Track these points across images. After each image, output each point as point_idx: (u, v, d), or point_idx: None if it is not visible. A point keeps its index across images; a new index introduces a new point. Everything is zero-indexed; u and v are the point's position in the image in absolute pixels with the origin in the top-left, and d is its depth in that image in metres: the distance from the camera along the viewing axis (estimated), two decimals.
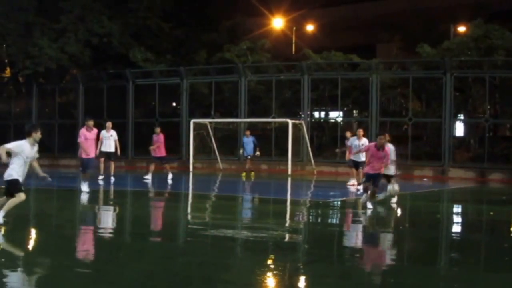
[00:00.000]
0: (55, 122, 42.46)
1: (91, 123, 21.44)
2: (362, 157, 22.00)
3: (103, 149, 26.63)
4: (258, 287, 9.41)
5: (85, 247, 13.14)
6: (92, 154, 21.59)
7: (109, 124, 27.58)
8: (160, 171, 28.34)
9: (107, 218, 17.81)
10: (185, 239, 14.22)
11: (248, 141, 32.38)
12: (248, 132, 33.33)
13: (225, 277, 9.85)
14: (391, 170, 20.89)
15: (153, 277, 9.76)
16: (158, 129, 21.18)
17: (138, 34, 43.10)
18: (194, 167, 36.13)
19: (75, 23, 41.57)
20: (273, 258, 11.20)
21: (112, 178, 26.46)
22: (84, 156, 21.20)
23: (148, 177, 27.72)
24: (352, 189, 24.25)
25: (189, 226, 15.57)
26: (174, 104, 42.94)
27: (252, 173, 31.96)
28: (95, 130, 21.85)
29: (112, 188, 25.14)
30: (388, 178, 21.57)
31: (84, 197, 20.58)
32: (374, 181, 17.88)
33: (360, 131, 23.30)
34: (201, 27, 45.86)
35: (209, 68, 41.59)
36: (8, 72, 46.19)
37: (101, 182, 25.82)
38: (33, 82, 43.91)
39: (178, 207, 21.48)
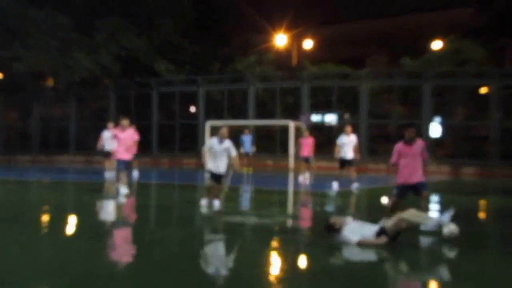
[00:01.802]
0: (90, 125, 42.61)
1: (124, 122, 18.09)
2: (349, 155, 21.48)
3: (106, 147, 26.64)
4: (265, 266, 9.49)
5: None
6: (124, 156, 18.28)
7: (110, 124, 27.05)
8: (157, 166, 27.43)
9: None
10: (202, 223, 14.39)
11: (247, 139, 32.45)
12: (247, 131, 33.42)
13: (237, 258, 10.02)
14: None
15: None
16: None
17: (161, 49, 43.22)
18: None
19: (107, 39, 41.70)
20: (278, 239, 11.31)
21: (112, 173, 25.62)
22: (115, 157, 18.78)
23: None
24: (308, 184, 24.47)
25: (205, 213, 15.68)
26: (192, 108, 42.99)
27: (251, 168, 32.05)
28: (131, 130, 18.74)
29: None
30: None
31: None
32: (416, 191, 12.68)
33: (349, 128, 22.38)
34: (215, 42, 46.01)
35: (222, 78, 41.78)
36: (49, 81, 46.35)
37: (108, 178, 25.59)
38: (71, 90, 44.11)
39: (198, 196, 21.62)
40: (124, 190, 18.11)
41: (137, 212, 15.95)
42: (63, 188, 24.36)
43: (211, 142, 15.25)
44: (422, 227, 10.76)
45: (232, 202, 19.75)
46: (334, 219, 11.55)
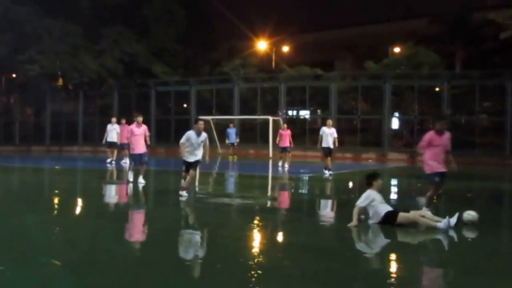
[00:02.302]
0: (96, 120, 42.53)
1: (140, 118, 17.11)
2: (331, 145, 21.25)
3: (109, 139, 26.60)
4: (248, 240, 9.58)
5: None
6: (139, 149, 17.09)
7: (113, 119, 27.46)
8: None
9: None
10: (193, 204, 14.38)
11: (232, 132, 32.49)
12: (231, 125, 33.50)
13: (224, 233, 10.10)
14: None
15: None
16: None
17: (158, 53, 43.19)
18: None
19: (111, 45, 41.66)
20: (258, 218, 11.32)
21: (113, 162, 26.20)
22: (132, 152, 17.40)
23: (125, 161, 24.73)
24: (287, 171, 24.23)
25: (196, 195, 15.72)
26: (185, 105, 42.97)
27: (235, 156, 32.13)
28: (144, 126, 17.33)
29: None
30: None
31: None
32: (441, 180, 11.84)
33: (330, 121, 22.40)
34: (205, 48, 46.00)
35: (211, 79, 41.82)
36: (60, 81, 46.20)
37: (109, 166, 25.63)
38: (80, 89, 44.05)
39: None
40: (141, 180, 17.06)
41: (139, 195, 15.91)
42: (76, 174, 24.43)
43: (188, 136, 14.02)
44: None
45: (220, 185, 19.86)
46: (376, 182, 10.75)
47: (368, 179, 10.73)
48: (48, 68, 41.28)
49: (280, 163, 25.43)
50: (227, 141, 32.59)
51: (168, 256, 8.24)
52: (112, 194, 17.06)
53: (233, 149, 32.47)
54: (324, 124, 22.25)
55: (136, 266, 7.46)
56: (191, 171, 14.07)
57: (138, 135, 16.98)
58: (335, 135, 21.52)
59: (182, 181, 14.46)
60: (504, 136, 32.86)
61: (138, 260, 7.91)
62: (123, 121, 26.73)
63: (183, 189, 14.10)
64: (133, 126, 17.12)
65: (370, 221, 10.33)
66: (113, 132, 26.55)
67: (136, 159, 17.40)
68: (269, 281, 6.86)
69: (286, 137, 24.98)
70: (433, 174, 11.65)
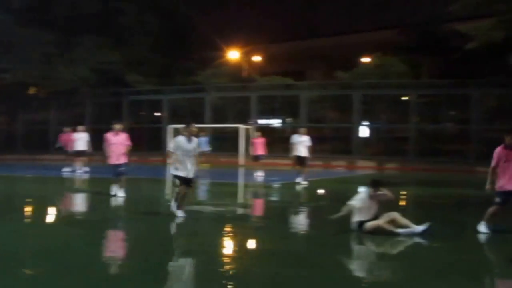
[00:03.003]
0: (79, 129, 42.15)
1: (117, 126, 16.00)
2: (303, 153, 21.13)
3: (77, 148, 25.98)
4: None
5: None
6: (114, 160, 15.91)
7: (80, 127, 26.99)
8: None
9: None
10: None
11: (204, 140, 32.49)
12: (203, 133, 33.50)
13: (196, 240, 10.14)
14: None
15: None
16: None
17: (132, 63, 43.00)
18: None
19: (84, 53, 41.40)
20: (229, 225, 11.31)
21: (85, 169, 25.91)
22: (108, 161, 16.09)
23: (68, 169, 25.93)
24: (259, 178, 24.16)
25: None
26: (158, 114, 42.85)
27: (207, 164, 32.14)
28: (123, 135, 16.25)
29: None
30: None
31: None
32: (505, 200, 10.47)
33: (303, 130, 22.38)
34: (178, 58, 45.94)
35: (184, 88, 41.69)
36: (33, 90, 45.81)
37: (78, 174, 25.31)
38: (52, 98, 43.68)
39: (160, 188, 21.68)
40: (120, 193, 15.90)
41: (112, 204, 15.80)
42: (45, 182, 24.25)
43: (178, 142, 12.11)
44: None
45: (192, 193, 19.84)
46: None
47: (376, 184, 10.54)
48: (20, 76, 40.89)
49: (254, 172, 25.39)
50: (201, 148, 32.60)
51: (137, 263, 8.27)
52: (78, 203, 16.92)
53: (205, 157, 32.46)
54: (295, 133, 22.22)
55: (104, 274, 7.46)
56: (186, 188, 12.27)
57: (115, 144, 15.78)
58: (308, 143, 21.41)
59: (173, 202, 12.40)
60: (469, 144, 33.33)
61: (105, 268, 7.91)
62: (67, 129, 27.24)
63: (179, 207, 12.20)
64: (110, 135, 15.92)
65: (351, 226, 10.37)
66: (81, 140, 26.06)
67: (112, 170, 16.15)
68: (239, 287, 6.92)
69: (259, 145, 24.98)
70: (500, 192, 10.63)
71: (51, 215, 13.72)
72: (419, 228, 10.07)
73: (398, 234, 10.03)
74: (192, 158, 12.16)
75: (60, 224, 12.46)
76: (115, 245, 10.01)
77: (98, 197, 17.02)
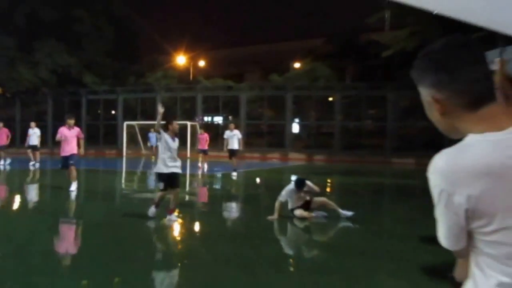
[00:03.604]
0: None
1: (71, 121, 14.78)
2: (235, 146, 21.19)
3: (30, 142, 25.29)
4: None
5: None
6: (66, 152, 14.70)
7: (32, 123, 26.33)
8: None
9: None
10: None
11: (152, 135, 32.32)
12: (152, 129, 33.32)
13: (148, 224, 10.10)
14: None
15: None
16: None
17: (88, 65, 42.38)
18: (126, 153, 36.06)
19: (45, 57, 40.68)
20: (177, 210, 11.30)
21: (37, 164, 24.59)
22: (61, 153, 14.95)
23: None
24: (199, 171, 23.69)
25: (123, 191, 15.49)
26: (113, 112, 42.32)
27: (154, 157, 32.00)
28: (76, 128, 14.98)
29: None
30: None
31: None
32: None
33: (232, 125, 22.31)
34: (131, 61, 45.47)
35: (136, 89, 41.34)
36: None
37: (31, 167, 24.23)
38: (16, 97, 42.73)
39: (115, 178, 21.49)
40: (73, 186, 14.48)
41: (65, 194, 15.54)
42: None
43: (165, 138, 10.36)
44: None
45: (142, 183, 19.75)
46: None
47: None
48: None
49: (199, 163, 25.31)
50: (148, 144, 32.51)
51: (88, 248, 8.21)
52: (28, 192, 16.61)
53: (153, 150, 32.36)
54: (234, 127, 22.18)
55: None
56: (171, 190, 10.20)
57: (69, 137, 14.64)
58: (239, 136, 21.46)
59: (152, 208, 10.26)
60: (385, 139, 34.06)
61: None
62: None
63: (170, 212, 10.13)
64: (64, 129, 14.77)
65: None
66: (34, 136, 25.37)
67: (62, 162, 14.95)
68: (187, 266, 6.97)
69: (203, 140, 24.92)
70: None
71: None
72: (346, 213, 10.24)
73: (324, 218, 10.26)
74: (177, 155, 10.65)
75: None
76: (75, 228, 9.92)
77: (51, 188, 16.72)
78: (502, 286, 1.48)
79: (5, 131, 25.90)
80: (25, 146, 26.51)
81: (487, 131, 1.51)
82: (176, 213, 10.28)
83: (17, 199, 14.20)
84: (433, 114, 1.65)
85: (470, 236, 1.54)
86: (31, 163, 24.68)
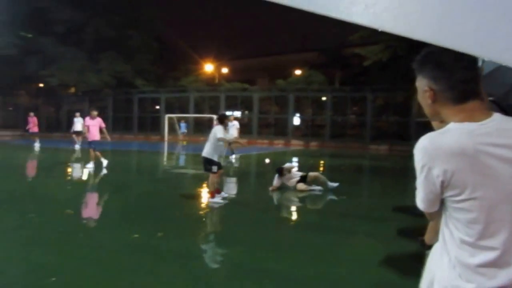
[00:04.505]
0: (76, 115, 41.70)
1: (94, 113, 14.30)
2: (235, 134, 18.65)
3: (75, 129, 24.47)
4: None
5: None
6: (92, 137, 14.13)
7: (77, 113, 25.36)
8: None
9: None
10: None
11: (183, 125, 32.30)
12: (183, 120, 33.30)
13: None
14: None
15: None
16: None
17: (139, 72, 42.40)
18: (167, 138, 36.10)
19: (107, 65, 40.78)
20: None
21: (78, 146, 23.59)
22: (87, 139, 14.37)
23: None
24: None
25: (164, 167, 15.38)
26: (157, 107, 42.33)
27: (185, 142, 31.93)
28: (98, 119, 14.17)
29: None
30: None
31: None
32: None
33: (232, 117, 20.48)
34: (170, 68, 45.50)
35: (174, 89, 41.28)
36: (72, 89, 44.91)
37: (76, 147, 23.35)
38: (86, 95, 42.95)
39: (159, 158, 21.48)
40: (89, 165, 14.13)
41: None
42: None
43: (220, 130, 8.96)
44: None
45: (181, 160, 19.53)
46: (286, 166, 10.50)
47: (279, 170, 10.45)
48: (63, 80, 40.31)
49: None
50: (179, 132, 32.67)
51: (139, 209, 8.16)
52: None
53: (183, 136, 32.46)
54: (234, 119, 20.59)
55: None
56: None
57: (91, 125, 14.12)
58: (237, 126, 19.52)
59: (217, 198, 8.84)
60: (365, 129, 33.91)
61: None
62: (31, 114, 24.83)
63: (214, 195, 8.89)
64: (87, 119, 14.34)
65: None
66: (78, 123, 24.38)
67: (88, 144, 14.44)
68: (212, 221, 6.93)
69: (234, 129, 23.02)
70: None
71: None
72: (333, 184, 10.20)
73: (319, 191, 10.18)
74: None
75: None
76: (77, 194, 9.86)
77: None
78: (464, 243, 1.52)
79: (34, 119, 24.47)
80: (70, 132, 25.81)
81: (465, 121, 1.53)
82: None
83: (77, 171, 14.22)
84: (424, 100, 1.65)
85: (442, 202, 1.57)
86: (76, 145, 24.00)
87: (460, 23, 1.14)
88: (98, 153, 14.26)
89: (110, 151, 23.73)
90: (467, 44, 1.21)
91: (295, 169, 10.64)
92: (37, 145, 23.03)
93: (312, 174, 10.43)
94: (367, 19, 1.12)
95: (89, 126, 14.15)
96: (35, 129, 23.78)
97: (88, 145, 14.40)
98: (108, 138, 14.85)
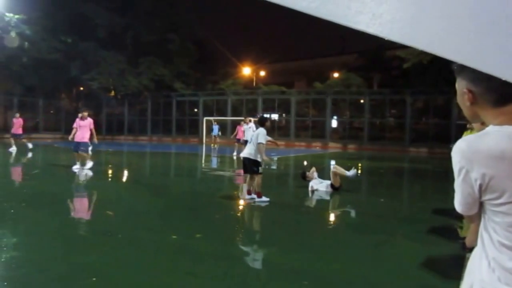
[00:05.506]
0: (136, 119, 42.68)
1: (85, 113, 13.70)
2: (247, 137, 16.51)
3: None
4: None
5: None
6: (77, 138, 13.51)
7: (85, 113, 23.60)
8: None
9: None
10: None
11: (216, 127, 31.98)
12: (215, 122, 32.90)
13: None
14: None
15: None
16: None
17: (178, 75, 43.05)
18: (205, 141, 36.45)
19: (146, 69, 41.56)
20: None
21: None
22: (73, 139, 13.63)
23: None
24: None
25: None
26: (195, 110, 42.87)
27: (216, 145, 31.89)
28: (89, 119, 13.63)
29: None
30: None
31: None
32: None
33: (247, 119, 19.77)
34: (208, 72, 45.98)
35: (212, 92, 41.79)
36: (112, 93, 45.90)
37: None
38: (125, 98, 43.90)
39: (194, 159, 21.71)
40: (76, 167, 13.67)
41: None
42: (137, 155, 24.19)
43: (264, 135, 8.64)
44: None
45: (217, 162, 19.67)
46: (309, 172, 10.57)
47: (303, 175, 10.67)
48: (104, 84, 41.28)
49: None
50: (211, 134, 32.58)
51: (177, 209, 8.23)
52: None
53: (215, 139, 32.15)
54: (249, 121, 19.96)
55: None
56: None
57: (81, 126, 13.51)
58: (254, 128, 17.76)
59: (263, 198, 8.76)
60: (404, 132, 33.38)
61: None
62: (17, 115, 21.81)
63: (261, 195, 8.79)
64: (77, 120, 13.64)
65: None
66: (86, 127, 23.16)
67: (74, 145, 13.71)
68: (245, 217, 6.93)
69: (240, 132, 21.90)
70: None
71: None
72: (350, 172, 10.09)
73: (346, 175, 10.07)
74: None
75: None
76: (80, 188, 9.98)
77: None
78: (503, 246, 1.50)
79: (20, 121, 21.35)
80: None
81: (505, 124, 1.50)
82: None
83: (110, 170, 14.52)
84: (463, 101, 1.63)
85: (482, 205, 1.55)
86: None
87: (466, 36, 1.13)
88: (85, 155, 13.73)
89: (149, 153, 24.24)
90: (472, 57, 1.18)
91: (315, 173, 10.52)
92: (13, 149, 20.91)
93: (334, 166, 10.43)
94: (373, 28, 1.14)
95: (78, 127, 13.50)
96: (19, 130, 21.25)
97: (75, 146, 13.64)
98: (96, 140, 14.09)
